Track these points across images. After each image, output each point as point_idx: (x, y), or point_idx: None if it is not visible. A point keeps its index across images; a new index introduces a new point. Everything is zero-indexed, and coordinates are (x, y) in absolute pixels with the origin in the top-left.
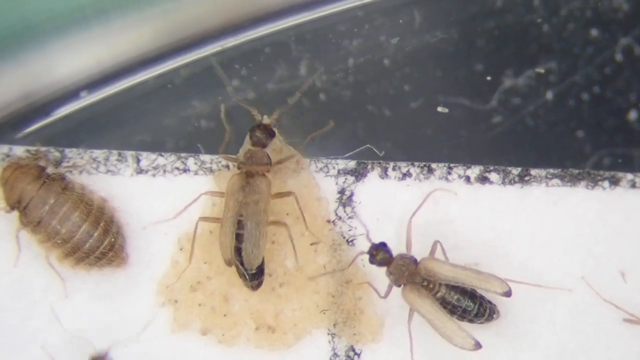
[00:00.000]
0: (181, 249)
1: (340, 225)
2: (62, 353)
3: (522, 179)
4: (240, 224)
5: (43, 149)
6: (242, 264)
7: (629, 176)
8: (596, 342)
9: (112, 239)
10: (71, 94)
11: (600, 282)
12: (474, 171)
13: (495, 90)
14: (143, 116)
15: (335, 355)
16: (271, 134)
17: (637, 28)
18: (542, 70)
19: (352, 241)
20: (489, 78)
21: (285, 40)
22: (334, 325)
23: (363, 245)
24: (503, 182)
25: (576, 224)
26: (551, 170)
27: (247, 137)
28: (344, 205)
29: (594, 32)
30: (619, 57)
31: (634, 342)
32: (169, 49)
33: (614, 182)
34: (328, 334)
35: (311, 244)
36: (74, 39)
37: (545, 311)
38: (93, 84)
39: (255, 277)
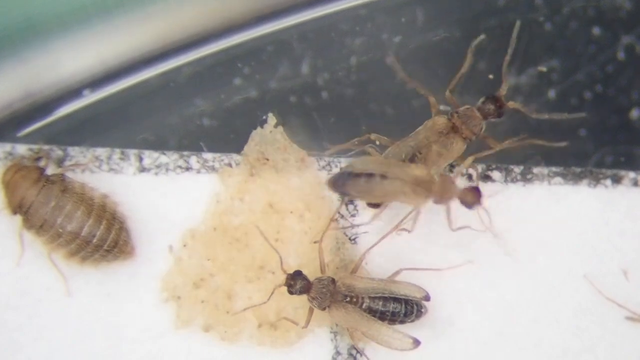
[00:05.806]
0: (185, 246)
1: (343, 223)
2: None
3: (525, 177)
4: (412, 159)
5: (45, 147)
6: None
7: (632, 174)
8: (600, 341)
9: (116, 235)
10: (74, 92)
11: (603, 281)
12: (477, 169)
13: (498, 88)
14: (146, 115)
15: (338, 353)
16: (500, 111)
17: (639, 26)
18: (544, 69)
19: (354, 239)
20: (491, 76)
21: (287, 38)
22: (337, 323)
23: (365, 244)
24: (505, 180)
25: (578, 223)
26: (553, 169)
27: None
28: (347, 204)
29: (596, 31)
30: (621, 55)
31: (637, 340)
32: (171, 47)
33: (617, 180)
34: (330, 332)
35: (314, 242)
36: (76, 37)
37: (548, 311)
38: (96, 83)
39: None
